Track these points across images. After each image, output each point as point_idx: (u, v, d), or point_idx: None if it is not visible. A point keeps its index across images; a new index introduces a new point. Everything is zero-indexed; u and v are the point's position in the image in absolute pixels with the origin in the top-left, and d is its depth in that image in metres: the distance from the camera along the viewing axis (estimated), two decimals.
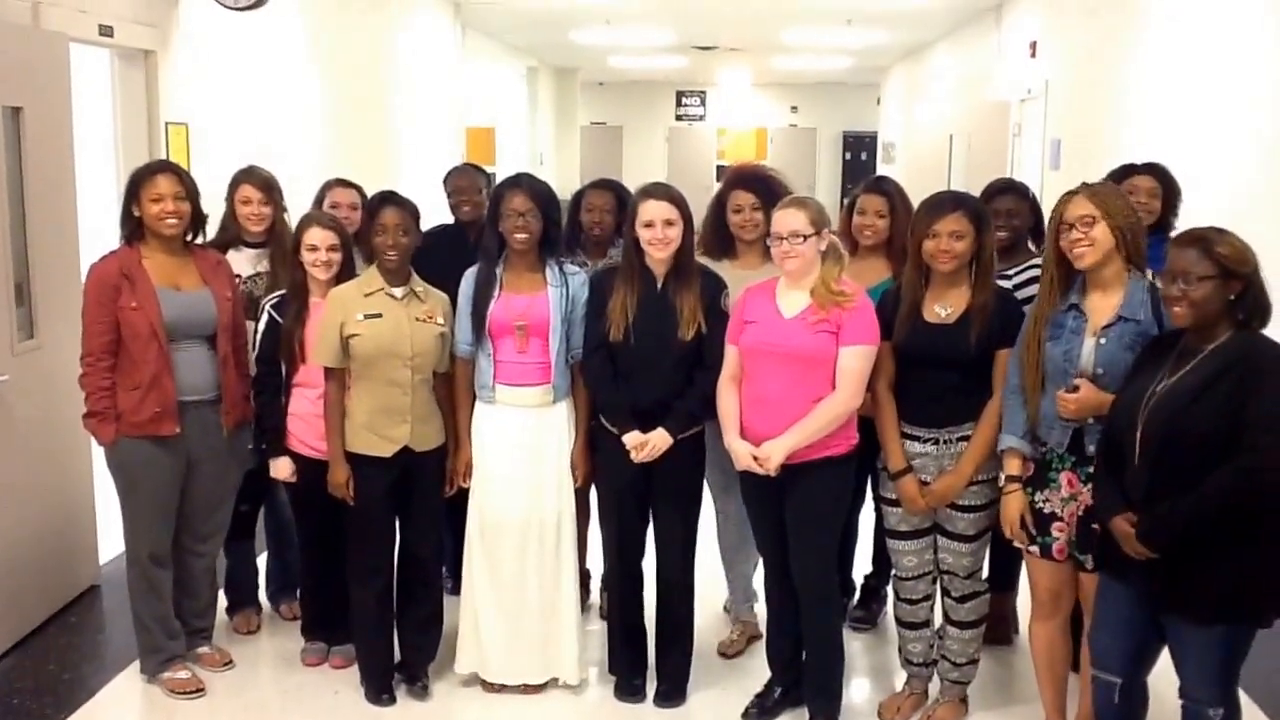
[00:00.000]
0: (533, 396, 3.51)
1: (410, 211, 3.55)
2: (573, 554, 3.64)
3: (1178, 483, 2.63)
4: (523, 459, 3.53)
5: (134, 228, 3.55)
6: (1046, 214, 3.21)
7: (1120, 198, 3.03)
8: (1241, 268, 2.63)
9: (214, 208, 4.02)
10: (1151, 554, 2.69)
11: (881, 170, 17.05)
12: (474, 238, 3.99)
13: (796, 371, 3.21)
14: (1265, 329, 2.69)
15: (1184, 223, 2.85)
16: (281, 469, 3.68)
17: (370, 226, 3.53)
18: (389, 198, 3.60)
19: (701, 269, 3.52)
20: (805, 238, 3.20)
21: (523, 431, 3.52)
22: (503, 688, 3.67)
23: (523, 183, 3.54)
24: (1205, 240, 2.66)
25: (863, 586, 4.29)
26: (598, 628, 3.98)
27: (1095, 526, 2.95)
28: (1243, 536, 2.61)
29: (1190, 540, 2.64)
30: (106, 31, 4.93)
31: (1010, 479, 3.14)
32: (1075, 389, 2.93)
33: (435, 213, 4.54)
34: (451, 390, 3.59)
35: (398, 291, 3.49)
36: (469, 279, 3.55)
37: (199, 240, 3.70)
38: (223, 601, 4.10)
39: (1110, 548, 2.81)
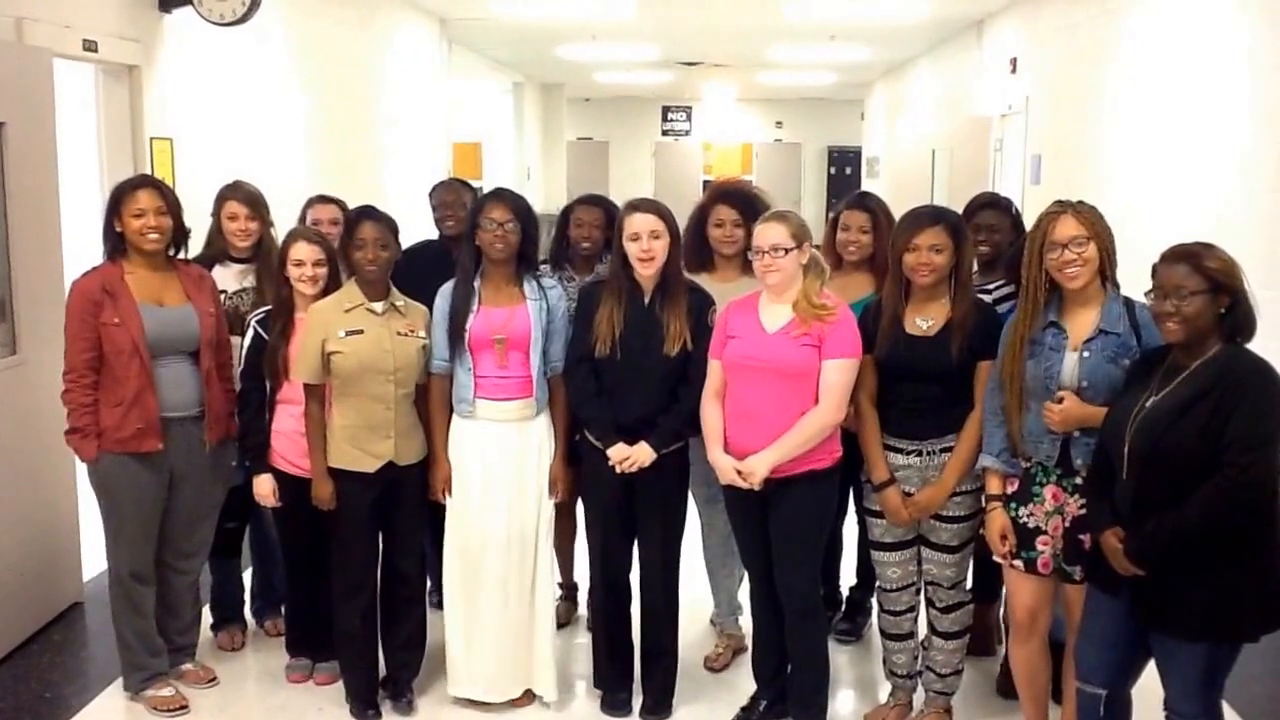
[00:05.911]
0: (513, 411, 3.51)
1: (389, 226, 3.54)
2: (549, 569, 3.63)
3: (1165, 498, 2.64)
4: (503, 473, 3.53)
5: (116, 243, 3.55)
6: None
7: (1099, 215, 3.03)
8: (1231, 281, 2.64)
9: (199, 223, 4.02)
10: (1139, 571, 2.70)
11: (865, 185, 17.13)
12: (458, 252, 3.99)
13: (780, 386, 3.23)
14: (1250, 344, 2.70)
15: (1165, 239, 2.86)
16: (263, 486, 3.66)
17: (349, 241, 3.54)
18: (367, 212, 3.59)
19: (689, 285, 3.54)
20: (786, 251, 3.22)
21: (503, 445, 3.52)
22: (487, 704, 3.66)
23: (503, 196, 3.55)
24: (1195, 255, 2.66)
25: (848, 599, 4.30)
26: (584, 641, 3.98)
27: (1082, 538, 2.97)
28: (1228, 553, 2.63)
29: (1177, 557, 2.65)
30: (90, 47, 4.93)
31: (991, 498, 3.16)
32: (1060, 400, 2.96)
33: (420, 228, 4.55)
34: (428, 404, 3.58)
35: (378, 306, 3.49)
36: (444, 294, 3.54)
37: (182, 255, 3.69)
38: (208, 618, 4.08)
39: (1100, 562, 2.83)
